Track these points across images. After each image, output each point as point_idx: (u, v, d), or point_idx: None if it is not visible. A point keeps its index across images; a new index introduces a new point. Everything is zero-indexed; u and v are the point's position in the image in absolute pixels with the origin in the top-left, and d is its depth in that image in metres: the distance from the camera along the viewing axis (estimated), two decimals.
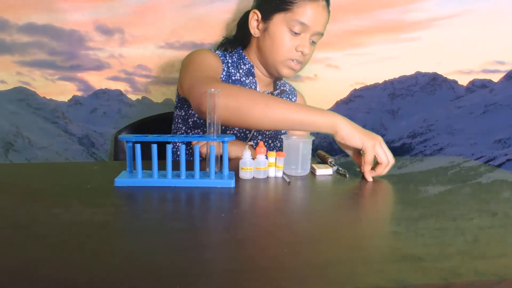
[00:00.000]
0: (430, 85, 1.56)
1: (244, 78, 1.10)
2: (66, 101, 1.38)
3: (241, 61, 1.12)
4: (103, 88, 1.38)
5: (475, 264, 0.46)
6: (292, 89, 1.24)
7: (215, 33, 1.35)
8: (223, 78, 1.07)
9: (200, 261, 0.45)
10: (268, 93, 1.13)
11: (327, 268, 0.44)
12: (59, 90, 1.35)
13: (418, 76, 1.54)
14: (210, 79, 0.91)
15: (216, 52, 1.11)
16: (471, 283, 0.42)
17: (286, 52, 1.04)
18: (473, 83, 1.55)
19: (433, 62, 1.51)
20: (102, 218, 0.58)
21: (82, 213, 0.60)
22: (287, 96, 1.20)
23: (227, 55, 1.12)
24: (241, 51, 1.14)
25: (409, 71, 1.52)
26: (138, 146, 0.74)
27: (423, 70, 1.52)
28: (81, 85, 1.36)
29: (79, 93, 1.37)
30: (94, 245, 0.49)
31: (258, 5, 1.08)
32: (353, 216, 0.64)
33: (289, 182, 0.79)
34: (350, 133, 0.82)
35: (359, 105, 1.54)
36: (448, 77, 1.54)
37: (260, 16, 1.07)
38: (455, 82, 1.55)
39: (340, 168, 0.89)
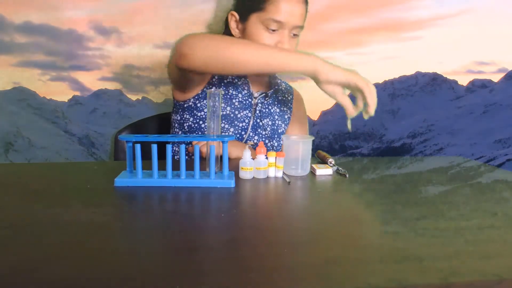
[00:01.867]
0: (430, 85, 1.56)
1: (236, 79, 1.11)
2: (66, 101, 1.38)
3: None
4: (103, 88, 1.38)
5: (475, 264, 0.46)
6: (288, 88, 1.24)
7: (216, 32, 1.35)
8: (215, 82, 1.08)
9: (200, 261, 0.45)
10: (262, 93, 1.13)
11: (327, 268, 0.44)
12: (59, 90, 1.35)
13: (418, 76, 1.54)
14: (194, 34, 0.93)
15: None
16: (471, 283, 0.42)
17: None
18: (473, 83, 1.55)
19: (433, 61, 1.51)
20: (102, 218, 0.58)
21: (82, 213, 0.60)
22: (283, 94, 1.20)
23: None
24: None
25: (409, 71, 1.52)
26: (138, 146, 0.74)
27: (423, 70, 1.52)
28: (81, 85, 1.36)
29: (79, 93, 1.37)
30: (94, 245, 0.49)
31: (235, 6, 1.08)
32: (353, 216, 0.64)
33: (289, 182, 0.79)
34: (330, 70, 0.85)
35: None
36: (448, 77, 1.54)
37: (237, 17, 1.07)
38: (455, 82, 1.55)
39: (340, 168, 0.89)
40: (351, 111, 0.88)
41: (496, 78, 1.53)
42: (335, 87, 0.87)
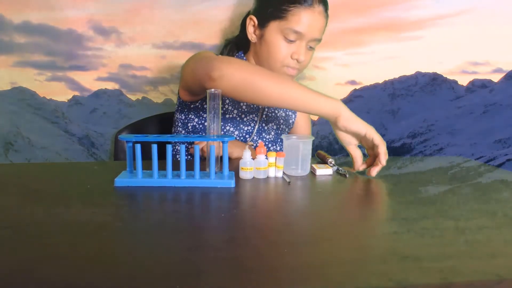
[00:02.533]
0: (430, 85, 1.56)
1: None
2: (66, 101, 1.38)
3: None
4: (103, 88, 1.38)
5: (475, 264, 0.46)
6: None
7: (215, 33, 1.35)
8: None
9: (200, 261, 0.45)
10: None
11: (327, 268, 0.44)
12: (59, 90, 1.35)
13: (418, 76, 1.54)
14: (215, 55, 0.91)
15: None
16: (471, 283, 0.42)
17: (281, 60, 1.03)
18: (473, 83, 1.55)
19: (433, 61, 1.51)
20: (102, 218, 0.58)
21: (82, 213, 0.60)
22: None
23: None
24: (242, 54, 1.14)
25: (409, 71, 1.52)
26: (138, 146, 0.74)
27: (423, 70, 1.52)
28: (81, 85, 1.36)
29: (79, 93, 1.37)
30: (94, 245, 0.49)
31: (255, 11, 1.07)
32: (353, 216, 0.64)
33: (289, 182, 0.79)
34: (352, 118, 0.83)
35: (359, 105, 1.54)
36: (448, 77, 1.54)
37: (256, 22, 1.06)
38: (455, 82, 1.55)
39: (340, 168, 0.89)
40: (359, 166, 0.87)
41: (496, 78, 1.53)
42: (352, 137, 0.86)
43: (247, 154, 0.80)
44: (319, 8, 1.00)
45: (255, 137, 1.10)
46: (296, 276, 0.43)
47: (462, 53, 1.49)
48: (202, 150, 0.87)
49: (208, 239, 0.53)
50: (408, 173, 0.93)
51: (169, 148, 0.74)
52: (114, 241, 0.51)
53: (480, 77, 1.54)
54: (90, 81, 1.36)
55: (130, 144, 0.76)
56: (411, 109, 1.59)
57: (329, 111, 0.84)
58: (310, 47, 1.04)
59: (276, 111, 1.14)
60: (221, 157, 0.78)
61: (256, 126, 1.10)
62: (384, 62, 1.47)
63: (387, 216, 0.63)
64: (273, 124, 1.13)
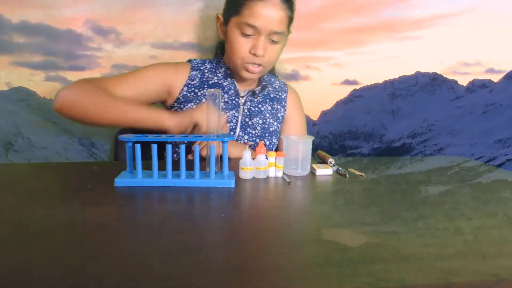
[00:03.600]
0: (430, 85, 1.56)
1: (222, 81, 1.12)
2: None
3: (219, 65, 1.14)
4: None
5: (475, 264, 0.46)
6: (282, 85, 1.23)
7: (214, 33, 1.34)
8: (197, 84, 1.10)
9: (200, 261, 0.45)
10: (250, 91, 1.13)
11: (327, 268, 0.44)
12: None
13: (418, 76, 1.54)
14: (82, 80, 1.00)
15: (194, 61, 1.14)
16: (471, 283, 0.42)
17: (241, 56, 1.03)
18: (473, 83, 1.55)
19: (433, 61, 1.51)
20: (102, 218, 0.58)
21: (82, 213, 0.60)
22: (276, 92, 1.19)
23: (207, 62, 1.15)
24: (220, 56, 1.16)
25: (409, 71, 1.52)
26: (138, 146, 0.74)
27: (423, 70, 1.52)
28: None
29: None
30: (94, 245, 0.49)
31: (223, 9, 1.09)
32: (353, 216, 0.64)
33: (289, 182, 0.79)
34: (178, 124, 0.94)
35: (359, 105, 1.54)
36: (448, 77, 1.54)
37: (222, 20, 1.08)
38: (455, 82, 1.55)
39: (340, 168, 0.89)
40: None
41: (496, 78, 1.53)
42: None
43: (247, 154, 0.80)
44: (274, 0, 0.99)
45: (240, 133, 1.10)
46: (296, 276, 0.43)
47: (463, 53, 1.49)
48: (191, 154, 0.88)
49: (208, 239, 0.53)
50: (408, 173, 0.93)
51: (169, 148, 0.74)
52: (114, 241, 0.51)
53: (480, 77, 1.54)
54: None
55: (130, 144, 0.76)
56: (411, 109, 1.59)
57: (154, 125, 0.94)
58: (273, 41, 1.03)
59: (260, 106, 1.14)
60: (221, 157, 0.78)
61: (239, 122, 1.10)
62: (384, 62, 1.47)
63: (387, 216, 0.63)
64: (258, 118, 1.12)
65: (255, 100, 1.13)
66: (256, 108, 1.13)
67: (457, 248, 0.50)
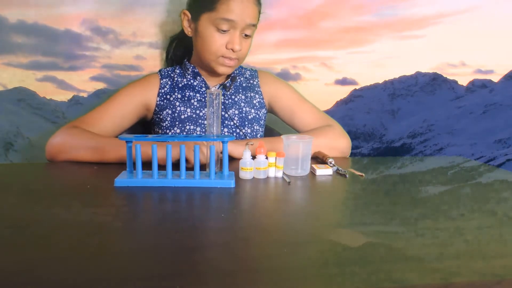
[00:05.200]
0: (430, 85, 1.56)
1: (192, 81, 1.14)
2: (66, 101, 1.38)
3: (185, 66, 1.16)
4: (103, 88, 1.38)
5: (475, 264, 0.46)
6: (253, 73, 1.23)
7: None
8: (168, 90, 1.12)
9: (200, 261, 0.45)
10: (220, 85, 1.14)
11: (327, 268, 0.44)
12: (59, 90, 1.35)
13: (418, 76, 1.54)
14: (67, 127, 1.00)
15: (163, 70, 1.16)
16: (471, 283, 0.42)
17: (216, 51, 1.05)
18: (473, 83, 1.55)
19: (433, 61, 1.51)
20: (102, 218, 0.58)
21: (82, 213, 0.60)
22: (247, 81, 1.20)
23: (177, 67, 1.17)
24: (186, 59, 1.17)
25: (409, 71, 1.52)
26: (138, 146, 0.74)
27: (424, 70, 1.52)
28: (80, 85, 1.36)
29: (79, 93, 1.37)
30: (94, 245, 0.49)
31: (188, 5, 1.09)
32: (353, 216, 0.64)
33: (289, 182, 0.79)
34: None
35: (359, 105, 1.54)
36: (448, 77, 1.54)
37: (190, 16, 1.08)
38: (455, 82, 1.55)
39: (340, 168, 0.89)
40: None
41: (496, 78, 1.53)
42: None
43: (247, 154, 0.80)
44: None
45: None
46: (296, 276, 0.43)
47: (463, 52, 1.49)
48: (188, 159, 0.86)
49: (208, 239, 0.53)
50: (408, 173, 0.93)
51: (169, 148, 0.74)
52: (114, 241, 0.51)
53: (481, 77, 1.54)
54: (90, 81, 1.36)
55: (130, 144, 0.76)
56: (411, 109, 1.59)
57: (115, 155, 0.91)
58: (246, 35, 1.05)
59: (233, 97, 1.15)
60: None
61: None
62: (384, 61, 1.47)
63: (387, 216, 0.63)
64: (233, 109, 1.13)
65: (228, 93, 1.14)
66: (230, 100, 1.14)
67: (457, 248, 0.50)
